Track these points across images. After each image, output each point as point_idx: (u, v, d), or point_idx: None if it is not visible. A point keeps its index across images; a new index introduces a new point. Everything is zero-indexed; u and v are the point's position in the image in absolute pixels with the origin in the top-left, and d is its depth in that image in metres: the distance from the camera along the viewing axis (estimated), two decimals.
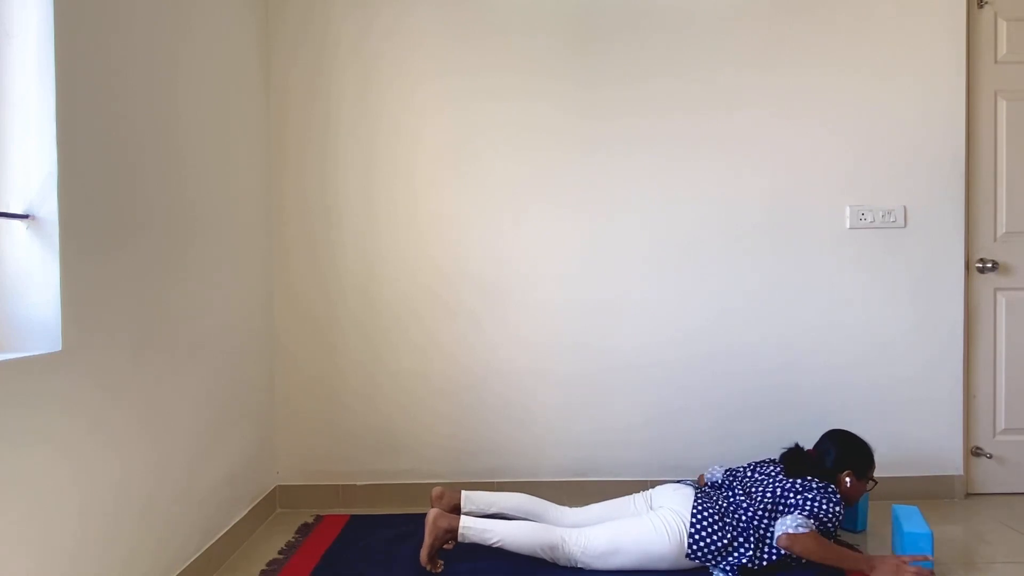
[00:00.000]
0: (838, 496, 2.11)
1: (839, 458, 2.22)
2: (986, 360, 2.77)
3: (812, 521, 2.01)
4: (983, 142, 2.75)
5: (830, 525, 2.07)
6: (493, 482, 2.69)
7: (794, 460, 2.24)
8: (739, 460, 2.61)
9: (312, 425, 2.71)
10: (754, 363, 2.72)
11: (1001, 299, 2.77)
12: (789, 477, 2.16)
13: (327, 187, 2.68)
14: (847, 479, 2.19)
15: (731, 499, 2.15)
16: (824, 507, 2.07)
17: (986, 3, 2.73)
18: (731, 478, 2.28)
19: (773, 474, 2.21)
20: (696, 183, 2.70)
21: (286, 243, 2.69)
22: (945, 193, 2.71)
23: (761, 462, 2.32)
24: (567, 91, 2.68)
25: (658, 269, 2.71)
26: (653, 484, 2.36)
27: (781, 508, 2.07)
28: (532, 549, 2.07)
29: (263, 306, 2.61)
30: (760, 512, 2.06)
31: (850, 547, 2.19)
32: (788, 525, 2.00)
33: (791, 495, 2.09)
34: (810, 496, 2.10)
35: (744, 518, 2.06)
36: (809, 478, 2.15)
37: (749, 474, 2.27)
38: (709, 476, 2.40)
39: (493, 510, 2.20)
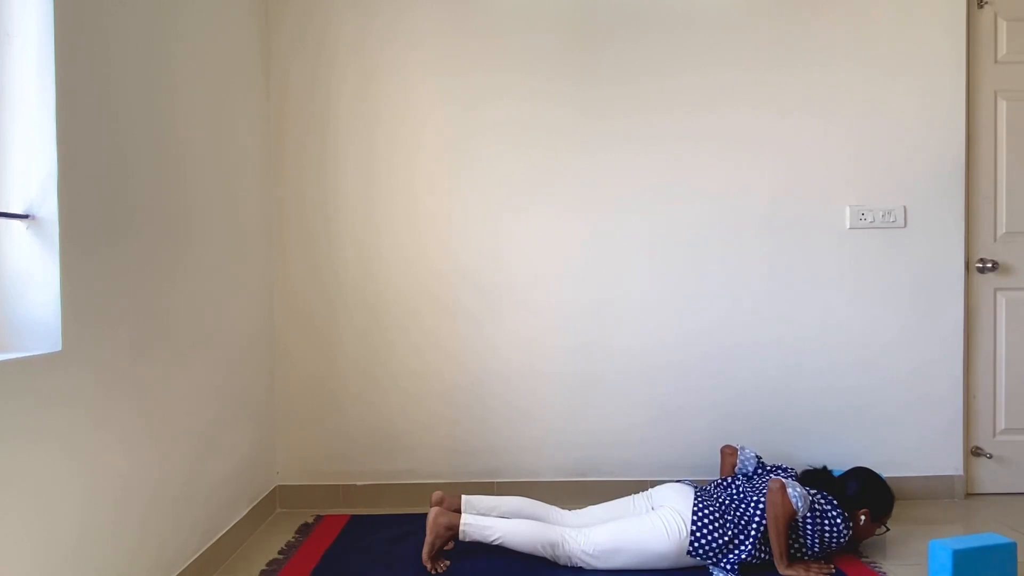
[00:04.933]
0: (851, 524, 2.12)
1: (860, 494, 2.19)
2: (986, 360, 2.78)
3: (807, 512, 2.04)
4: (983, 142, 2.75)
5: (832, 542, 2.08)
6: (493, 482, 2.69)
7: (815, 478, 2.25)
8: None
9: (312, 425, 2.71)
10: (754, 363, 2.72)
11: (1001, 299, 2.77)
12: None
13: (327, 187, 2.68)
14: (861, 516, 2.17)
15: (735, 494, 2.16)
16: (835, 519, 2.08)
17: (986, 3, 2.73)
18: (762, 468, 2.31)
19: (794, 478, 2.24)
20: (696, 182, 2.70)
21: (286, 243, 2.69)
22: (945, 193, 2.71)
23: (786, 468, 2.33)
24: (567, 90, 2.68)
25: (658, 269, 2.71)
26: (653, 484, 2.36)
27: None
28: (533, 547, 2.07)
29: (263, 306, 2.61)
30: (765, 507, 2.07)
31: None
32: (791, 484, 2.04)
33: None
34: (826, 502, 2.12)
35: (749, 512, 2.07)
36: (829, 495, 2.16)
37: (771, 471, 2.30)
38: (742, 456, 2.34)
39: (494, 514, 2.20)
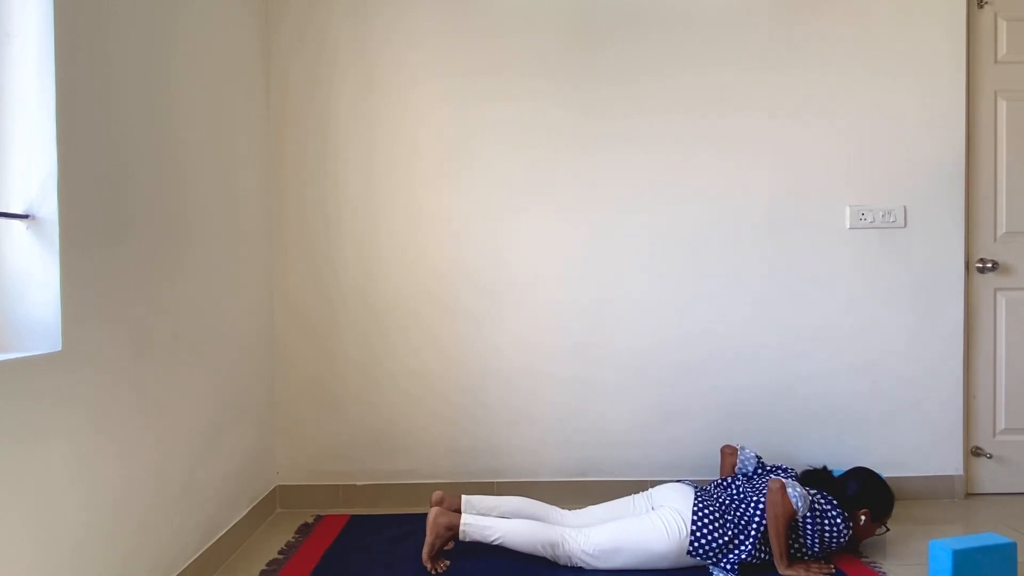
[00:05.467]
0: (851, 524, 2.12)
1: (859, 494, 2.19)
2: (986, 360, 2.77)
3: (807, 512, 2.04)
4: (983, 142, 2.75)
5: (832, 542, 2.08)
6: (493, 482, 2.69)
7: (815, 479, 2.25)
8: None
9: (312, 425, 2.71)
10: (754, 363, 2.72)
11: (1001, 299, 2.77)
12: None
13: (327, 188, 2.68)
14: (862, 516, 2.17)
15: (735, 495, 2.16)
16: (835, 519, 2.08)
17: (986, 3, 2.73)
18: (762, 468, 2.31)
19: (794, 478, 2.24)
20: (696, 183, 2.70)
21: (286, 243, 2.69)
22: (945, 193, 2.71)
23: (786, 468, 2.33)
24: (567, 90, 2.68)
25: (658, 269, 2.71)
26: (653, 484, 2.36)
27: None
28: (532, 547, 2.07)
29: (263, 306, 2.61)
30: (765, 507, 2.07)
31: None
32: (791, 484, 2.03)
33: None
34: (826, 502, 2.12)
35: (749, 512, 2.07)
36: (829, 495, 2.16)
37: (771, 471, 2.30)
38: (742, 456, 2.34)
39: (494, 514, 2.20)
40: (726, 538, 2.04)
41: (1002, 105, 2.75)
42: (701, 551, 2.03)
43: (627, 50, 2.69)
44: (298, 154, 2.68)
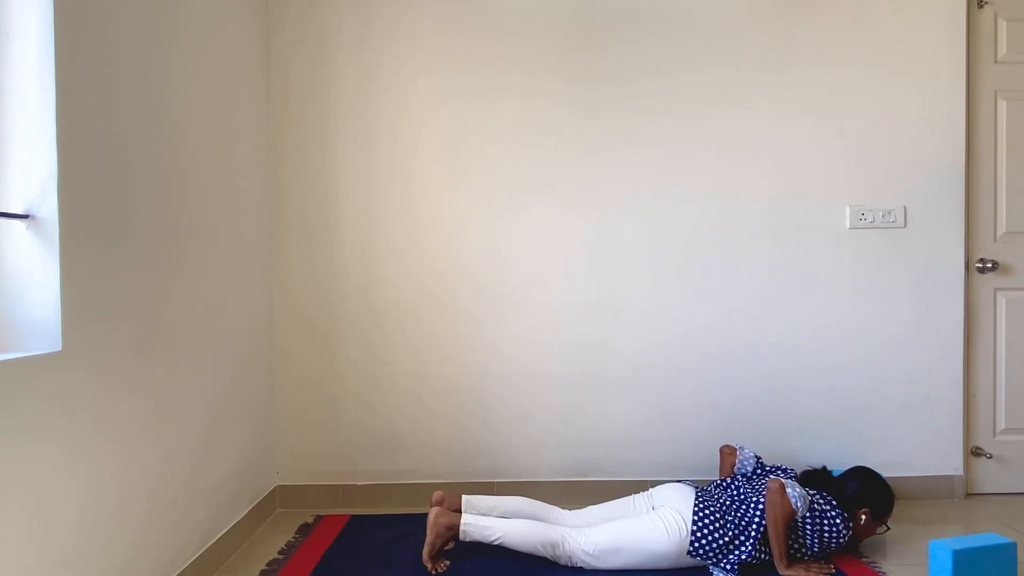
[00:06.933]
0: (850, 525, 2.12)
1: (859, 493, 2.19)
2: (986, 360, 2.77)
3: (806, 512, 2.04)
4: (983, 142, 2.75)
5: (832, 542, 2.08)
6: (493, 482, 2.69)
7: (815, 479, 2.25)
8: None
9: (312, 425, 2.71)
10: (754, 363, 2.72)
11: (1001, 299, 2.77)
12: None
13: (327, 187, 2.68)
14: (862, 516, 2.17)
15: (736, 495, 2.16)
16: (835, 519, 2.08)
17: (986, 3, 2.73)
18: (761, 469, 2.31)
19: (793, 478, 2.24)
20: (696, 183, 2.70)
21: (286, 243, 2.69)
22: (945, 193, 2.71)
23: (786, 468, 2.33)
24: (567, 90, 2.68)
25: (658, 269, 2.71)
26: (653, 484, 2.36)
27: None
28: (533, 546, 2.07)
29: (263, 306, 2.61)
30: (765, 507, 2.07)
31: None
32: (790, 484, 2.04)
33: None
34: (825, 502, 2.12)
35: (749, 512, 2.07)
36: (828, 495, 2.16)
37: (770, 471, 2.30)
38: (741, 456, 2.33)
39: (494, 514, 2.20)
40: (726, 538, 2.04)
41: (1002, 105, 2.75)
42: (701, 551, 2.03)
43: (627, 50, 2.69)
44: (298, 154, 2.68)
